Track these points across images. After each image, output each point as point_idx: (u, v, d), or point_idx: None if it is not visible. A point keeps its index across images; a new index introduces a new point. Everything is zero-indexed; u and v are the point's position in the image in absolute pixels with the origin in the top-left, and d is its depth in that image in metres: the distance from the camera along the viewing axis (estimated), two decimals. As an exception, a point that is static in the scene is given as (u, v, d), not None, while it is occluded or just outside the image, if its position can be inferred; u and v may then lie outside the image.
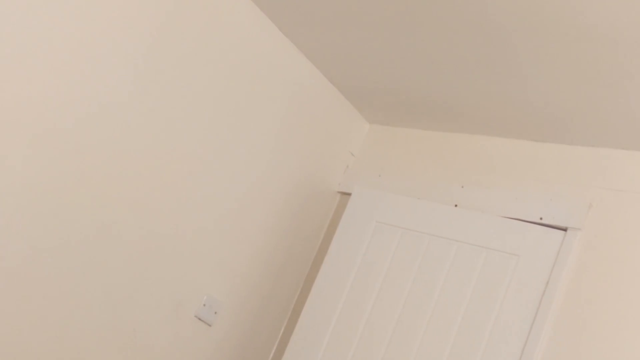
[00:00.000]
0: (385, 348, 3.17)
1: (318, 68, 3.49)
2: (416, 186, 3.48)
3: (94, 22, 2.72)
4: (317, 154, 3.59)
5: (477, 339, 3.01)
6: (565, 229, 3.05)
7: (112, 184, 2.85)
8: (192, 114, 3.06)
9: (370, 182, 3.60)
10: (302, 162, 3.53)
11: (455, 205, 3.34)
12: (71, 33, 2.67)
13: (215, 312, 3.24)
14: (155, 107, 2.94)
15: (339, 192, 3.70)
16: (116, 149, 2.84)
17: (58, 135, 2.67)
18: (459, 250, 3.21)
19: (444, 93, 3.26)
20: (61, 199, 2.71)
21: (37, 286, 2.68)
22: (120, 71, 2.82)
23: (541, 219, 3.12)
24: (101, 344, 2.89)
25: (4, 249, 2.57)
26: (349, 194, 3.62)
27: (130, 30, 2.83)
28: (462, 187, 3.39)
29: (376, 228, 3.42)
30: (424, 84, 3.26)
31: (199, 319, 3.20)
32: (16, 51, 2.53)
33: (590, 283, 2.93)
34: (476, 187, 3.36)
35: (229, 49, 3.15)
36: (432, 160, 3.54)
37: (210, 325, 3.23)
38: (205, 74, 3.09)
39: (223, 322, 3.29)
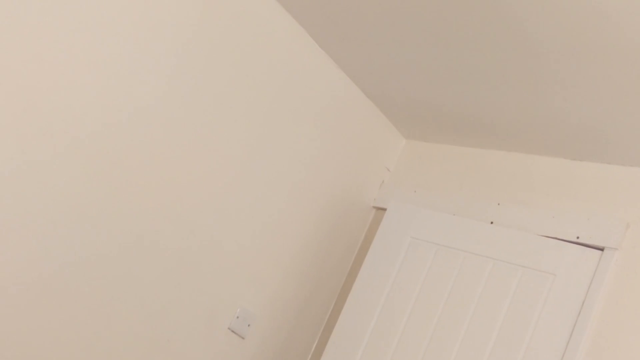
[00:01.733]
0: (418, 365, 3.15)
1: (355, 83, 3.50)
2: (452, 202, 3.46)
3: (131, 31, 2.75)
4: (353, 169, 3.59)
5: (511, 358, 2.98)
6: (602, 249, 3.02)
7: (149, 195, 2.87)
8: (229, 127, 3.08)
9: (405, 197, 3.59)
10: (338, 176, 3.53)
11: (491, 223, 3.32)
12: (109, 43, 2.70)
13: (249, 325, 3.25)
14: (193, 120, 2.96)
15: (374, 207, 3.70)
16: (154, 160, 2.86)
17: (96, 145, 2.70)
18: (494, 268, 3.18)
19: (481, 109, 3.25)
20: (98, 210, 2.73)
21: (73, 296, 2.70)
22: (160, 84, 2.84)
23: (578, 238, 3.09)
24: (135, 354, 2.90)
25: (40, 259, 2.60)
26: (385, 209, 3.61)
27: (167, 42, 2.85)
28: (499, 204, 3.37)
29: (411, 244, 3.41)
30: (461, 100, 3.25)
31: (232, 331, 3.20)
32: (46, 60, 2.56)
33: (627, 304, 2.89)
34: (513, 204, 3.33)
35: (266, 63, 3.16)
36: (468, 176, 3.53)
37: (243, 338, 3.24)
38: (243, 87, 3.10)
39: (256, 335, 3.29)
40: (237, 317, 3.21)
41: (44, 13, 2.51)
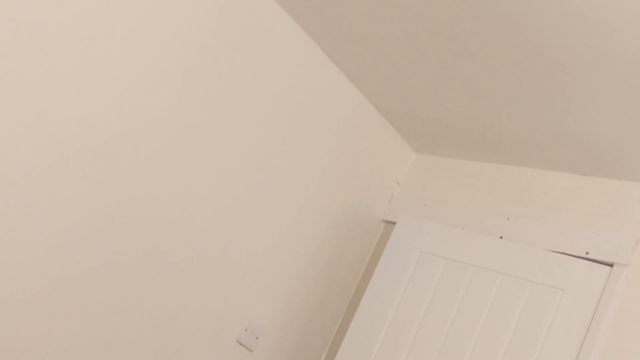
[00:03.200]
0: (426, 379, 3.15)
1: (366, 96, 3.50)
2: (461, 217, 3.46)
3: (145, 43, 2.76)
4: (363, 182, 3.60)
5: (520, 373, 2.98)
6: (611, 265, 3.01)
7: (159, 206, 2.87)
8: (240, 139, 3.09)
9: (415, 211, 3.59)
10: (348, 189, 3.54)
11: (501, 237, 3.32)
12: (121, 55, 2.71)
13: (257, 338, 3.25)
14: (205, 131, 2.97)
15: (383, 220, 3.70)
16: (165, 171, 2.87)
17: (106, 155, 2.71)
18: (503, 283, 3.18)
19: (491, 124, 3.25)
20: (107, 219, 2.74)
21: (81, 306, 2.71)
22: (172, 94, 2.86)
23: (587, 253, 3.08)
24: (143, 365, 2.91)
25: (52, 268, 2.61)
26: (394, 223, 3.61)
27: (181, 55, 2.86)
28: (508, 219, 3.36)
29: (420, 258, 3.40)
30: (471, 114, 3.25)
31: (240, 343, 3.20)
32: (57, 69, 2.58)
33: (636, 320, 2.88)
34: (522, 219, 3.33)
35: (278, 76, 3.18)
36: (478, 191, 3.52)
37: (251, 351, 3.24)
38: (255, 99, 3.11)
39: (264, 347, 3.29)
40: (246, 330, 3.21)
41: (56, 22, 2.53)
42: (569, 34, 2.52)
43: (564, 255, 3.12)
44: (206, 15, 2.90)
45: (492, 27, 2.66)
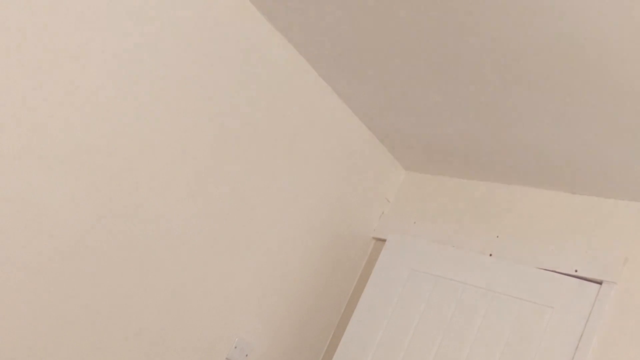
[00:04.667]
0: (415, 397, 3.15)
1: (356, 114, 3.52)
2: (451, 234, 3.47)
3: (148, 68, 2.78)
4: (354, 200, 3.60)
5: (509, 390, 2.98)
6: (600, 282, 3.02)
7: (148, 222, 2.87)
8: (232, 158, 3.09)
9: (405, 228, 3.60)
10: (338, 207, 3.54)
11: (490, 255, 3.33)
12: (125, 78, 2.72)
13: (247, 355, 3.24)
14: (197, 151, 2.97)
15: (374, 237, 3.70)
16: (157, 188, 2.87)
17: (97, 175, 2.70)
18: (492, 300, 3.18)
19: (481, 142, 3.26)
20: (97, 237, 2.73)
21: (68, 327, 2.70)
22: (171, 120, 2.86)
23: (576, 271, 3.09)
24: (133, 382, 2.90)
25: (33, 286, 2.60)
26: (384, 240, 3.62)
27: (180, 80, 2.87)
28: (498, 236, 3.37)
29: (410, 275, 3.41)
30: (460, 133, 3.27)
31: (230, 361, 3.21)
32: (55, 84, 2.58)
33: (625, 337, 2.89)
34: (511, 237, 3.34)
35: (269, 95, 3.18)
36: (467, 208, 3.54)
37: (241, 368, 3.24)
38: (246, 118, 3.12)
39: (254, 364, 3.29)
40: (235, 347, 3.21)
41: (57, 35, 2.53)
42: (556, 52, 2.53)
43: (553, 273, 3.13)
44: (205, 42, 2.91)
45: (481, 48, 2.67)
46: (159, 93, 2.84)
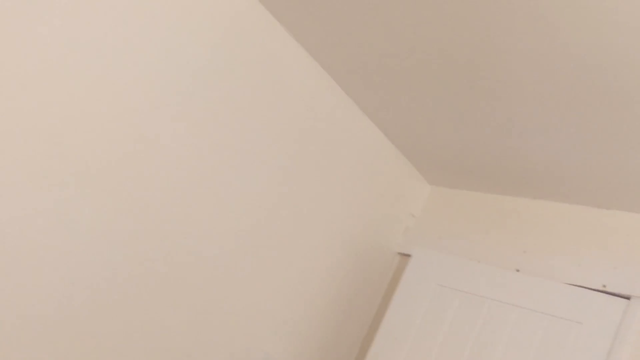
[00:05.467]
0: (441, 414, 3.12)
1: (380, 129, 3.51)
2: (477, 249, 3.45)
3: (163, 73, 2.79)
4: (378, 214, 3.59)
5: (536, 407, 2.95)
6: (628, 298, 2.99)
7: (174, 240, 2.88)
8: (255, 173, 3.10)
9: (430, 243, 3.58)
10: (362, 222, 3.53)
11: (517, 270, 3.30)
12: (137, 91, 2.73)
13: (271, 371, 3.24)
14: (221, 166, 2.98)
15: (398, 253, 3.69)
16: (180, 206, 2.88)
17: (118, 190, 2.72)
18: (520, 316, 3.16)
19: (507, 157, 3.24)
20: (120, 252, 2.74)
21: (96, 342, 2.70)
22: (188, 131, 2.87)
23: (604, 286, 3.06)
24: (156, 398, 2.90)
25: (65, 301, 2.61)
26: (409, 256, 3.60)
27: (195, 90, 2.88)
28: (524, 252, 3.35)
29: (436, 291, 3.39)
30: (486, 147, 3.25)
31: (255, 376, 3.19)
32: (73, 101, 2.60)
33: (654, 354, 2.86)
34: (538, 252, 3.31)
35: (292, 109, 3.19)
36: (493, 223, 3.51)
37: (265, 384, 3.23)
38: (269, 132, 3.12)
39: (279, 380, 3.28)
40: (260, 363, 3.20)
41: (72, 52, 2.55)
42: (590, 70, 2.51)
43: (581, 288, 3.10)
44: (220, 51, 2.92)
45: (507, 59, 2.66)
46: (185, 112, 2.85)
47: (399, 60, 2.95)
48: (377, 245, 3.60)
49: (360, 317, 3.57)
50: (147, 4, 2.69)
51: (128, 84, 2.69)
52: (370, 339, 3.52)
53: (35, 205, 2.50)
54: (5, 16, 2.37)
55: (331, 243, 3.42)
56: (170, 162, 2.84)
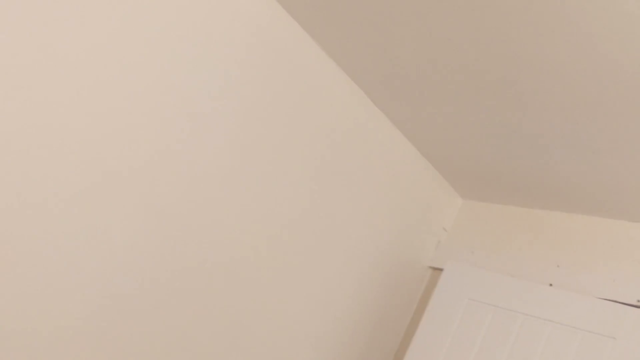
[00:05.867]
0: None
1: (412, 142, 3.50)
2: (510, 264, 3.42)
3: (195, 84, 2.81)
4: (409, 228, 3.58)
5: None
6: (663, 313, 2.95)
7: (203, 255, 2.89)
8: (286, 186, 3.11)
9: (462, 258, 3.56)
10: (394, 235, 3.52)
11: (550, 285, 3.27)
12: (169, 103, 2.76)
13: (302, 384, 3.23)
14: (250, 178, 2.99)
15: (430, 267, 3.67)
16: (210, 217, 2.89)
17: (154, 206, 2.74)
18: (553, 331, 3.13)
19: (540, 170, 3.22)
20: (154, 267, 2.76)
21: (129, 353, 2.72)
22: (221, 139, 2.89)
23: (638, 301, 3.03)
24: (186, 410, 2.90)
25: (97, 310, 2.63)
26: (441, 270, 3.58)
27: (227, 105, 2.90)
28: (558, 266, 3.32)
29: (468, 305, 3.37)
30: (519, 160, 3.23)
31: (285, 390, 3.19)
32: (114, 126, 2.63)
33: (690, 370, 2.81)
34: (572, 266, 3.28)
35: (323, 122, 3.20)
36: (526, 237, 3.49)
37: (296, 398, 3.22)
38: (299, 145, 3.13)
39: (309, 394, 3.27)
40: (290, 376, 3.20)
41: (101, 66, 2.58)
42: (622, 82, 2.49)
43: (615, 303, 3.06)
44: (253, 60, 2.94)
45: (538, 72, 2.65)
46: (216, 123, 2.87)
47: (430, 73, 2.95)
48: (408, 259, 3.59)
49: (392, 331, 3.55)
50: (181, 17, 2.72)
51: (162, 95, 2.72)
52: (402, 353, 3.51)
53: (68, 218, 2.53)
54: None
55: (363, 257, 3.41)
56: (200, 172, 2.85)
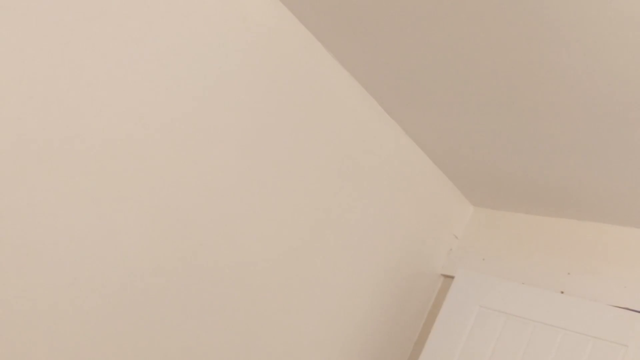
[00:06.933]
0: None
1: (423, 149, 3.51)
2: (521, 271, 3.42)
3: (206, 98, 2.82)
4: (420, 236, 3.58)
5: None
6: (675, 320, 2.95)
7: (217, 262, 2.90)
8: (296, 192, 3.11)
9: (474, 265, 3.56)
10: (404, 243, 3.53)
11: (562, 292, 3.27)
12: (180, 117, 2.77)
13: (314, 391, 3.23)
14: (261, 183, 3.00)
15: (442, 274, 3.68)
16: (218, 223, 2.90)
17: (164, 212, 2.75)
18: (565, 339, 3.12)
19: (552, 177, 3.23)
20: (166, 274, 2.77)
21: (139, 354, 2.73)
22: (229, 154, 2.90)
23: (650, 308, 3.03)
24: (200, 417, 2.91)
25: (99, 322, 2.64)
26: (452, 277, 3.59)
27: (241, 112, 2.91)
28: (569, 273, 3.32)
29: (479, 312, 3.37)
30: (530, 168, 3.23)
31: (298, 397, 3.19)
32: (121, 129, 2.64)
33: (703, 377, 2.81)
34: (583, 274, 3.28)
35: (333, 128, 3.20)
36: (537, 245, 3.49)
37: (308, 405, 3.23)
38: (311, 152, 3.14)
39: (321, 401, 3.27)
40: (303, 383, 3.20)
41: (116, 76, 2.60)
42: (634, 88, 2.50)
43: (627, 311, 3.06)
44: (267, 69, 2.95)
45: (550, 80, 2.65)
46: (231, 131, 2.88)
47: (441, 82, 2.96)
48: (420, 266, 3.59)
49: (403, 338, 3.56)
50: (193, 25, 2.73)
51: (174, 100, 2.73)
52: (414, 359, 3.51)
53: (77, 220, 2.54)
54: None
55: (374, 264, 3.42)
56: (214, 180, 2.86)
